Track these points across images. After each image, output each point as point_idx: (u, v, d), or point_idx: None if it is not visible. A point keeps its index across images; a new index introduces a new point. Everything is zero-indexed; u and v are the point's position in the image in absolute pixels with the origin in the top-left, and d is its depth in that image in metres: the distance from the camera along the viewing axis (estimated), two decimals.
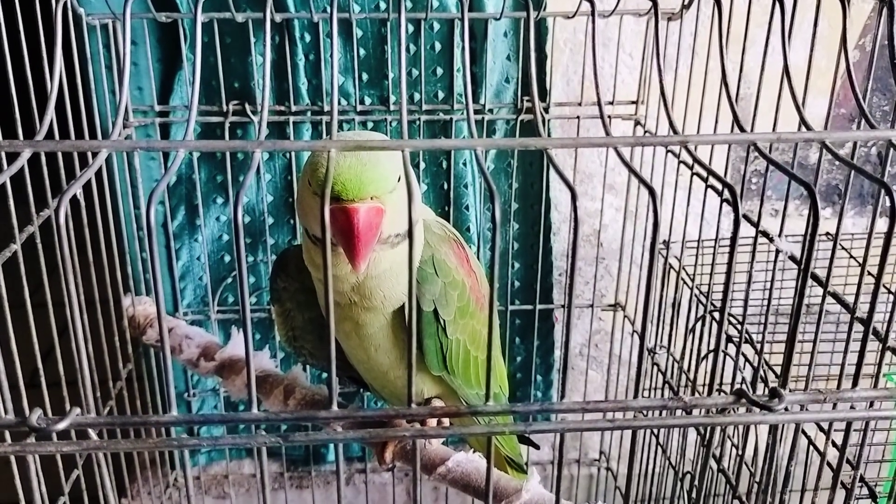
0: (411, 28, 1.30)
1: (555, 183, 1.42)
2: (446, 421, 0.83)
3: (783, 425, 0.92)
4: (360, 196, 0.73)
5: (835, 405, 0.55)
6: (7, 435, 0.54)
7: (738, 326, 0.92)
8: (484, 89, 1.33)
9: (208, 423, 0.55)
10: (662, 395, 1.31)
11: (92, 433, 0.53)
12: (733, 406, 0.53)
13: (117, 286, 1.20)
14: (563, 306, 1.51)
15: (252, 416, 0.51)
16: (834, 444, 0.80)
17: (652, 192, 0.48)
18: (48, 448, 0.51)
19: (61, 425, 0.49)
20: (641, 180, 0.50)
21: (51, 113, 0.59)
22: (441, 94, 1.36)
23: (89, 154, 1.04)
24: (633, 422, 0.52)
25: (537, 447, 1.27)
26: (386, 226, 0.76)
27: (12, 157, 0.54)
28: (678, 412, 0.52)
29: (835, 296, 0.80)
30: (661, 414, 0.51)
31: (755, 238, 0.90)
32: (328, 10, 1.07)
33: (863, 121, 0.61)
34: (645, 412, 0.52)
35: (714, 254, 1.06)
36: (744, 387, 0.55)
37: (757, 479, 0.98)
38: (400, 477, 1.65)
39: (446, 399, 0.97)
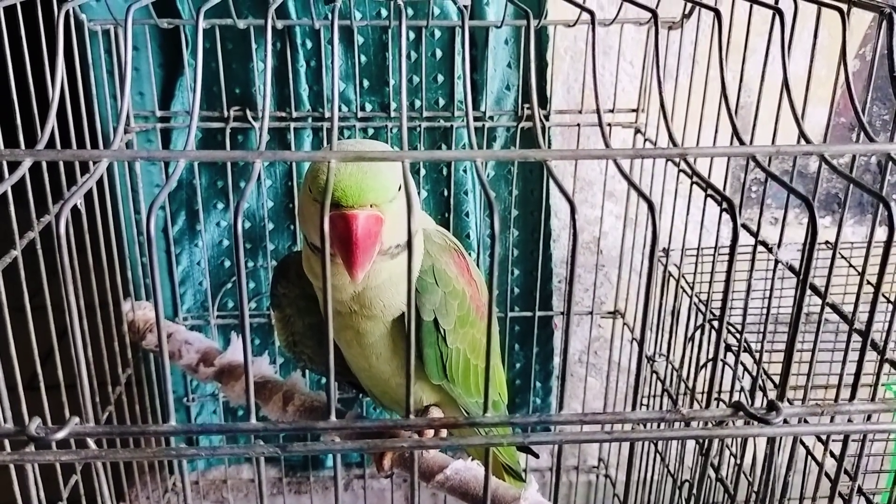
0: (412, 35, 1.30)
1: (555, 190, 1.42)
2: (444, 431, 0.83)
3: (781, 437, 0.92)
4: (359, 203, 0.73)
5: (832, 418, 0.55)
6: (6, 444, 0.54)
7: (737, 335, 0.92)
8: (484, 97, 1.33)
9: (206, 433, 0.55)
10: (661, 403, 1.31)
11: (91, 442, 0.53)
12: (731, 419, 0.53)
13: (117, 290, 1.20)
14: (562, 313, 1.51)
15: (250, 427, 0.51)
16: (832, 455, 0.80)
17: (650, 205, 0.48)
18: (47, 457, 0.51)
19: (60, 434, 0.49)
20: (640, 193, 0.50)
21: (52, 120, 0.59)
22: (442, 101, 1.36)
23: (90, 162, 1.04)
24: (631, 433, 0.52)
25: (537, 456, 1.27)
26: (386, 236, 0.76)
27: (13, 164, 0.54)
28: (676, 424, 0.52)
29: (833, 307, 0.80)
30: (659, 426, 0.51)
31: (754, 247, 0.90)
32: (329, 16, 1.07)
33: (862, 134, 0.61)
34: (643, 424, 0.52)
35: (713, 262, 1.06)
36: (742, 396, 0.55)
37: (755, 488, 0.98)
38: (398, 483, 1.65)
39: (445, 407, 0.97)
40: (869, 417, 0.56)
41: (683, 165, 1.20)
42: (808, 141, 0.58)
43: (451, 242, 0.91)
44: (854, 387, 0.58)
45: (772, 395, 0.54)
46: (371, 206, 0.74)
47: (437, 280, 0.85)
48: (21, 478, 0.62)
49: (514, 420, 0.52)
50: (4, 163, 0.78)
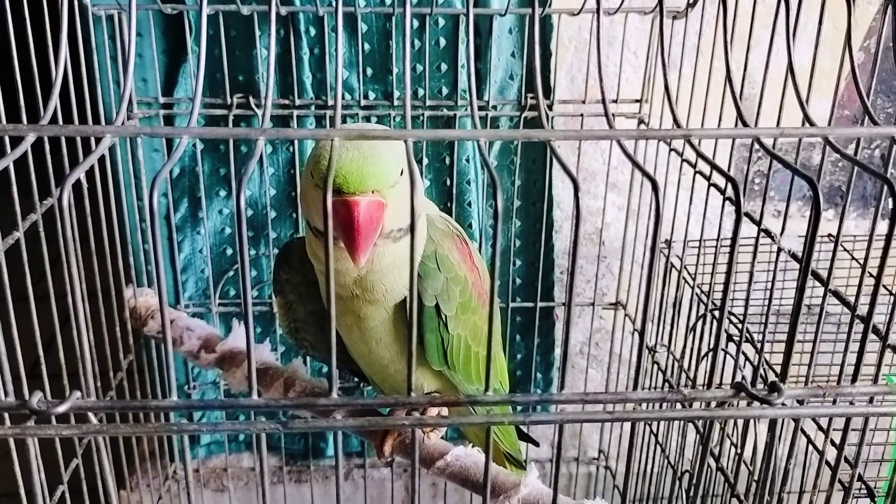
0: (416, 23, 1.30)
1: (557, 181, 1.42)
2: (445, 411, 0.83)
3: (782, 423, 0.92)
4: (361, 189, 0.73)
5: (834, 401, 0.55)
6: (7, 418, 0.55)
7: (739, 325, 0.92)
8: (488, 86, 1.33)
9: (208, 409, 0.55)
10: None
11: (92, 417, 0.54)
12: (732, 399, 0.53)
13: (119, 278, 1.20)
14: (563, 304, 1.51)
15: (251, 403, 0.51)
16: (833, 443, 0.80)
17: (654, 184, 0.48)
18: (48, 431, 0.51)
19: (61, 408, 0.49)
20: (644, 172, 0.50)
21: (55, 99, 0.59)
22: (445, 90, 1.36)
23: (93, 142, 1.04)
24: (632, 413, 0.52)
25: (537, 444, 1.27)
26: (388, 220, 0.76)
27: (16, 143, 0.54)
28: (677, 405, 0.52)
29: (835, 294, 0.80)
30: (660, 407, 0.51)
31: (757, 236, 0.90)
32: (333, 4, 1.07)
33: (866, 118, 0.61)
34: (644, 404, 0.52)
35: (716, 253, 1.06)
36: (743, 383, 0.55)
37: (755, 477, 0.98)
38: (399, 473, 1.65)
39: (446, 394, 0.97)
40: (871, 400, 0.56)
41: (686, 154, 1.20)
42: (812, 124, 0.58)
43: (455, 229, 0.91)
44: (856, 370, 0.58)
45: (773, 380, 0.54)
46: (373, 191, 0.74)
47: (440, 265, 0.85)
48: (22, 456, 0.62)
49: (515, 399, 0.52)
50: (7, 141, 0.78)
